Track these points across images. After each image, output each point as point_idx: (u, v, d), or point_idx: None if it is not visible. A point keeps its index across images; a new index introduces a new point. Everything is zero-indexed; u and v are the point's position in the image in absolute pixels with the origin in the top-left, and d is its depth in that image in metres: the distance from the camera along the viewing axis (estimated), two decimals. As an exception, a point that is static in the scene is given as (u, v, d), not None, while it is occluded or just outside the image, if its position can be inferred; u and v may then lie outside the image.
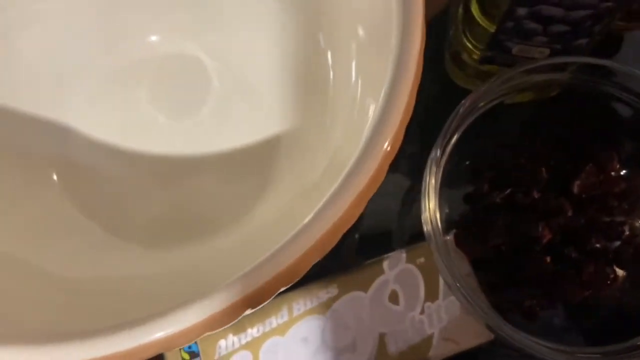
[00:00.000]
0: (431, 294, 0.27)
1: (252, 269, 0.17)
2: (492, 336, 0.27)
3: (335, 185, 0.18)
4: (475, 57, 0.31)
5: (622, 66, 0.28)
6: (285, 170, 0.29)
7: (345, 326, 0.27)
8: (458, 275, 0.26)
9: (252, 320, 0.26)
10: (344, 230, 0.18)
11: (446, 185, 0.28)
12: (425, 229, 0.26)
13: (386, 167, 0.19)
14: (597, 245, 0.27)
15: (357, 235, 0.32)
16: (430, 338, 0.27)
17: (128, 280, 0.26)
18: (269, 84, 0.31)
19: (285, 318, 0.27)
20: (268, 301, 0.18)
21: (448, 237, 0.28)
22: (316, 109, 0.29)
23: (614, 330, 0.27)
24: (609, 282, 0.27)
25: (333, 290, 0.27)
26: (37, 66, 0.29)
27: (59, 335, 0.17)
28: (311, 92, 0.29)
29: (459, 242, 0.28)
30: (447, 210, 0.29)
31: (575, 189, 0.28)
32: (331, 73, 0.28)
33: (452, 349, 0.27)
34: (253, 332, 0.26)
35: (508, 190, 0.29)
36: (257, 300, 0.17)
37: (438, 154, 0.27)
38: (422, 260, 0.28)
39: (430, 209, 0.26)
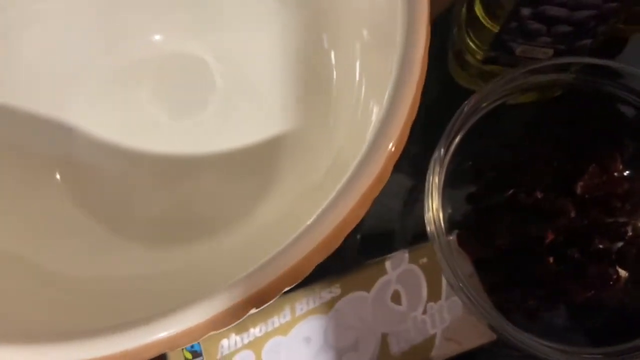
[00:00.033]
0: (434, 294, 0.27)
1: (256, 269, 0.17)
2: (494, 336, 0.27)
3: (339, 186, 0.18)
4: (478, 57, 0.31)
5: (626, 67, 0.28)
6: (287, 170, 0.29)
7: (348, 326, 0.27)
8: (461, 275, 0.26)
9: (254, 320, 0.26)
10: (348, 231, 0.18)
11: (449, 185, 0.28)
12: (428, 229, 0.26)
13: (390, 168, 0.19)
14: (600, 246, 0.27)
15: (359, 236, 0.32)
16: (432, 338, 0.27)
17: (129, 280, 0.26)
18: (271, 83, 0.31)
19: (288, 318, 0.27)
20: (272, 301, 0.18)
21: (451, 237, 0.28)
22: (319, 109, 0.29)
23: (617, 330, 0.27)
24: (611, 282, 0.27)
25: (336, 290, 0.27)
26: (37, 66, 0.29)
27: (60, 335, 0.17)
28: (314, 92, 0.29)
29: (461, 242, 0.28)
30: (449, 211, 0.29)
31: (579, 190, 0.28)
32: (334, 73, 0.28)
33: (455, 349, 0.27)
34: (255, 331, 0.26)
35: (511, 191, 0.29)
36: (261, 300, 0.17)
37: (441, 153, 0.27)
38: (424, 260, 0.28)
39: (434, 208, 0.26)
